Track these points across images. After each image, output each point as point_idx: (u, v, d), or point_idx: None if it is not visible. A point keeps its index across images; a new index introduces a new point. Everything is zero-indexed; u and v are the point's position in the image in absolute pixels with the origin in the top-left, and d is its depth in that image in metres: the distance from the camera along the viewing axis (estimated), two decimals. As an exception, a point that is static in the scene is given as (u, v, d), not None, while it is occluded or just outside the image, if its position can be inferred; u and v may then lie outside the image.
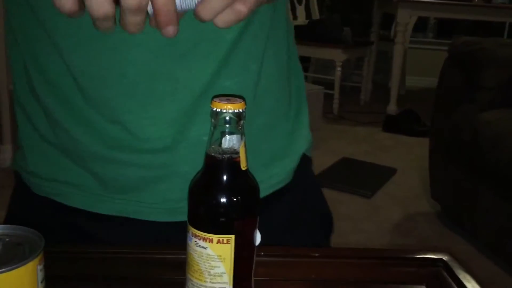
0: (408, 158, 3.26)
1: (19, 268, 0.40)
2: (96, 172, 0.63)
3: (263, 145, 0.67)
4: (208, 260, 0.46)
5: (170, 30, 0.43)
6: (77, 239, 0.66)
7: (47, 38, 0.59)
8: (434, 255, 0.62)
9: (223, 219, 0.46)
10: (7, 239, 0.44)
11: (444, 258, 0.61)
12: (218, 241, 0.45)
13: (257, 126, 0.65)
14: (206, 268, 0.46)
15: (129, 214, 0.64)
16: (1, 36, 2.59)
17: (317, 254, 0.61)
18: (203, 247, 0.46)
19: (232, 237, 0.46)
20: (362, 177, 2.89)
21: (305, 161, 0.75)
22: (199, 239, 0.46)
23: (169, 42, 0.57)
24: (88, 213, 0.65)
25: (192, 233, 0.46)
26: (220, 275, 0.46)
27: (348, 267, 0.61)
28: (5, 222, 0.72)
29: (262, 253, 0.55)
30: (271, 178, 0.68)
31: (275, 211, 0.69)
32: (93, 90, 0.59)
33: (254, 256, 0.50)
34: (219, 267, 0.46)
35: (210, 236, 0.45)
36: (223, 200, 0.46)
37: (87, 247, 0.61)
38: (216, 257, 0.46)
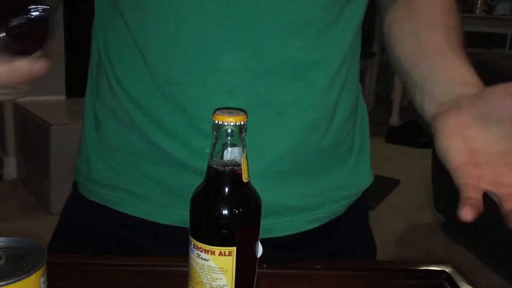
0: (411, 169, 3.26)
1: (22, 281, 0.40)
2: (164, 180, 0.62)
3: (326, 175, 0.66)
4: (210, 272, 0.46)
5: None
6: (127, 251, 0.66)
7: (132, 41, 0.59)
8: (437, 267, 0.62)
9: (224, 231, 0.46)
10: (10, 252, 0.44)
11: (447, 270, 0.61)
12: (220, 253, 0.45)
13: (324, 157, 0.65)
14: (208, 280, 0.46)
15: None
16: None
17: (319, 266, 0.61)
18: (205, 259, 0.46)
19: (234, 249, 0.46)
20: (365, 189, 2.88)
21: (364, 195, 0.73)
22: (201, 251, 0.46)
23: (253, 56, 0.57)
24: (143, 225, 0.64)
25: (194, 245, 0.46)
26: (222, 287, 0.46)
27: (351, 279, 0.61)
28: (55, 231, 0.72)
29: (264, 265, 0.56)
30: (329, 208, 0.67)
31: (329, 239, 0.69)
32: (173, 96, 0.59)
33: (256, 268, 0.50)
34: (221, 279, 0.46)
35: (212, 248, 0.46)
36: (225, 212, 0.46)
37: (90, 259, 0.61)
38: (217, 269, 0.46)
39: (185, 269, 0.49)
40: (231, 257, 0.46)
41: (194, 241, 0.47)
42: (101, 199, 0.67)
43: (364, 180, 0.73)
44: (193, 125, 0.59)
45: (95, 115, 0.68)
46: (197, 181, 0.60)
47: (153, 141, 0.62)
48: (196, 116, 0.59)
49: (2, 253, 0.43)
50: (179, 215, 0.63)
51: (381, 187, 2.94)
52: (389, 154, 3.58)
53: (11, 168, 2.79)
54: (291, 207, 0.64)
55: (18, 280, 0.40)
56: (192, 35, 0.56)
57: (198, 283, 0.47)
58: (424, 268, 0.62)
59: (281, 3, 0.56)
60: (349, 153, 0.69)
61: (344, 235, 0.71)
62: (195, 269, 0.47)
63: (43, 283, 0.42)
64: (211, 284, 0.46)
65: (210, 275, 0.46)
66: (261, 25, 0.56)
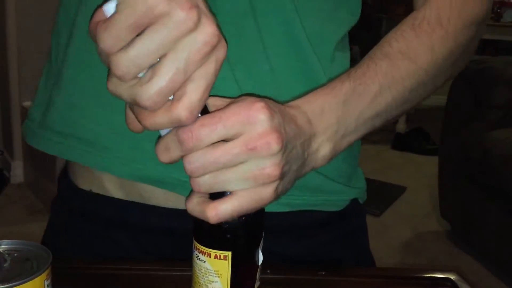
0: (417, 176, 3.25)
1: (26, 283, 0.40)
2: (125, 128, 0.52)
3: (323, 180, 0.63)
4: (206, 274, 0.46)
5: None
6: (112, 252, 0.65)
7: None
8: (442, 274, 0.62)
9: (218, 235, 0.46)
10: (15, 254, 0.44)
11: (452, 278, 0.61)
12: (215, 256, 0.45)
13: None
14: (205, 282, 0.46)
15: (167, 186, 0.59)
16: (14, 54, 2.63)
17: (323, 273, 0.61)
18: (202, 260, 0.46)
19: (229, 253, 0.45)
20: (371, 196, 2.85)
21: (359, 208, 0.72)
22: (199, 252, 0.46)
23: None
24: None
25: (194, 245, 0.47)
26: (218, 290, 0.46)
27: (356, 286, 0.60)
28: (44, 235, 0.71)
29: (268, 271, 0.55)
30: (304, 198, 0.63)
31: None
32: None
33: (257, 275, 0.49)
34: (216, 282, 0.46)
35: (208, 250, 0.45)
36: None
37: (95, 263, 0.61)
38: (213, 272, 0.46)
39: (189, 273, 0.49)
40: (226, 261, 0.46)
41: (194, 242, 0.47)
42: (52, 148, 0.62)
43: (359, 183, 0.71)
44: None
45: (65, 55, 0.62)
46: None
47: None
48: None
49: (7, 255, 0.44)
50: (140, 170, 0.59)
51: (387, 194, 2.93)
52: (395, 161, 3.57)
53: (18, 171, 2.81)
54: None
55: (22, 283, 0.40)
56: None
57: (197, 283, 0.47)
58: (430, 275, 0.62)
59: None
60: (345, 164, 0.67)
61: (345, 261, 0.69)
62: (195, 270, 0.47)
63: (48, 286, 0.42)
64: (208, 286, 0.46)
65: (207, 277, 0.46)
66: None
